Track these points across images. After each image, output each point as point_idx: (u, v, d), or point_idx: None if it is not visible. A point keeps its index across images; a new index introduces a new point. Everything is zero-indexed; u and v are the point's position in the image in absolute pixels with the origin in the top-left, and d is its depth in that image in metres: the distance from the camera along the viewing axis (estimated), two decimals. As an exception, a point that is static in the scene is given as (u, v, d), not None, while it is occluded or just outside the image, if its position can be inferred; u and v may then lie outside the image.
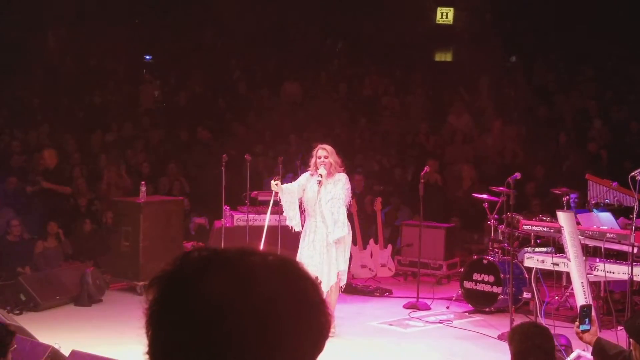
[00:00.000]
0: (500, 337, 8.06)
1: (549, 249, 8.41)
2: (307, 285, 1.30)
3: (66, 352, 5.95)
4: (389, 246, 11.46)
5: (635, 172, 7.03)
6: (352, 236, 8.55)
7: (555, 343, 4.58)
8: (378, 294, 10.33)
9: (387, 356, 7.86)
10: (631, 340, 4.53)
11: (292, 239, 8.65)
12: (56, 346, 5.99)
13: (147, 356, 1.27)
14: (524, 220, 8.82)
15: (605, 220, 8.33)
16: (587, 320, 4.57)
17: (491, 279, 9.28)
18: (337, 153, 8.23)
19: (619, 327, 7.31)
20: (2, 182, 11.92)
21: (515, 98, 15.24)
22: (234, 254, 1.29)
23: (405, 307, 9.54)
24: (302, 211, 8.26)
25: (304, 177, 8.26)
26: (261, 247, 8.05)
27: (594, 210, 8.64)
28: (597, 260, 7.95)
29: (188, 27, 17.39)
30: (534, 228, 8.62)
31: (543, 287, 8.65)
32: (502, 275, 9.13)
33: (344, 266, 8.20)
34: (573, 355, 5.58)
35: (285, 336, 1.24)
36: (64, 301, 9.49)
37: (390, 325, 8.88)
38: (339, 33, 18.14)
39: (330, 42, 18.27)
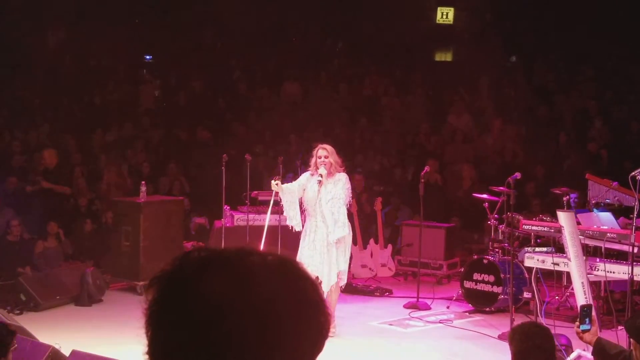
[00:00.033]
0: (500, 337, 8.06)
1: (549, 249, 8.41)
2: (307, 285, 1.30)
3: (66, 352, 5.95)
4: (389, 246, 11.46)
5: (636, 171, 7.02)
6: (352, 236, 8.55)
7: (556, 343, 4.58)
8: (378, 294, 10.33)
9: (388, 356, 7.86)
10: (631, 340, 4.53)
11: (292, 238, 8.65)
12: (56, 346, 5.99)
13: (146, 356, 1.27)
14: (524, 220, 8.82)
15: (605, 220, 8.33)
16: (587, 320, 4.57)
17: (491, 278, 9.28)
18: (337, 153, 8.23)
19: (619, 327, 7.31)
20: (2, 182, 11.92)
21: (515, 98, 15.23)
22: (234, 254, 1.29)
23: (406, 307, 9.54)
24: (302, 211, 8.26)
25: (304, 177, 8.26)
26: (261, 247, 8.04)
27: (594, 210, 8.64)
28: (598, 260, 7.95)
29: (188, 27, 17.38)
30: (534, 228, 8.62)
31: (543, 286, 8.65)
32: (502, 275, 9.13)
33: (344, 266, 8.20)
34: (573, 355, 5.59)
35: (285, 336, 1.24)
36: (64, 301, 9.49)
37: (391, 325, 8.88)
38: (339, 33, 18.14)
39: (330, 42, 18.27)
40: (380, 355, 7.90)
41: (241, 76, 16.76)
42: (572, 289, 8.00)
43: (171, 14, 17.50)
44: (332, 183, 8.07)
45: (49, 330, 7.72)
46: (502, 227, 9.44)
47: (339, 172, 8.15)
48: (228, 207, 10.65)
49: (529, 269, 8.60)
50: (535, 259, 8.27)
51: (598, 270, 7.80)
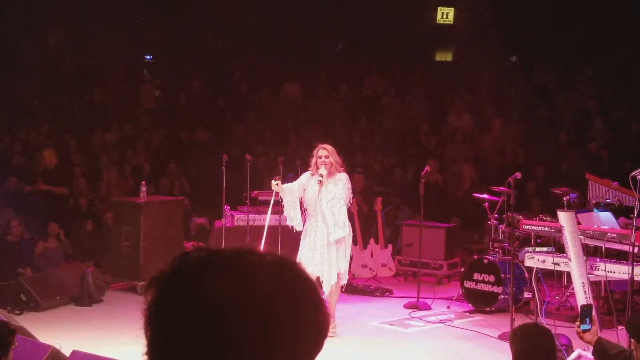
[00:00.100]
0: (500, 337, 8.06)
1: (550, 249, 8.40)
2: (306, 285, 1.30)
3: (67, 352, 5.95)
4: (390, 246, 11.46)
5: (636, 171, 7.02)
6: (353, 236, 8.54)
7: (556, 343, 4.58)
8: (378, 294, 10.33)
9: (388, 356, 7.85)
10: (632, 340, 4.53)
11: (292, 239, 8.65)
12: (57, 346, 5.99)
13: (146, 357, 1.26)
14: (525, 220, 8.81)
15: (605, 220, 8.32)
16: (587, 319, 4.57)
17: (492, 278, 9.27)
18: (337, 153, 8.23)
19: (620, 327, 7.32)
20: (3, 182, 11.93)
21: (515, 98, 15.24)
22: (233, 254, 1.29)
23: (406, 307, 9.54)
24: (302, 211, 8.26)
25: (305, 177, 8.26)
26: (261, 247, 8.04)
27: (595, 210, 8.64)
28: (598, 260, 7.94)
29: (188, 27, 17.39)
30: (534, 228, 8.61)
31: (543, 286, 8.66)
32: (502, 275, 9.13)
33: (344, 266, 8.19)
34: (574, 355, 5.59)
35: (285, 336, 1.24)
36: (64, 301, 9.49)
37: (391, 325, 8.88)
38: (339, 33, 18.15)
39: (330, 42, 18.27)
40: (381, 355, 7.89)
41: (241, 76, 16.77)
42: (573, 288, 7.99)
43: (171, 14, 17.51)
44: (332, 183, 8.07)
45: (49, 330, 7.72)
46: (502, 227, 9.44)
47: (340, 172, 8.15)
48: (228, 207, 10.65)
49: (529, 269, 8.60)
50: (535, 259, 8.27)
51: (598, 270, 7.80)
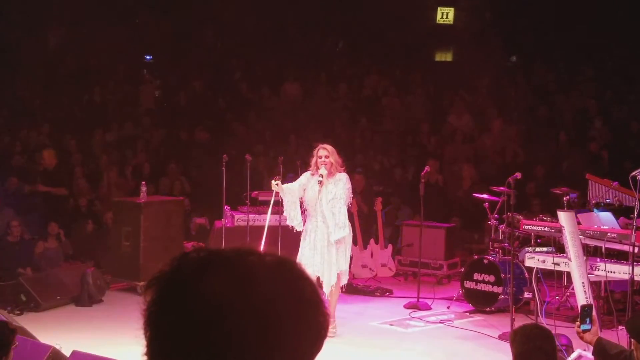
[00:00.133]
0: (501, 337, 8.06)
1: (550, 249, 8.40)
2: (305, 285, 1.30)
3: (67, 353, 5.95)
4: (390, 246, 11.45)
5: (636, 171, 7.02)
6: (353, 236, 8.54)
7: (556, 343, 4.57)
8: (379, 294, 10.33)
9: (388, 356, 7.85)
10: (632, 340, 4.53)
11: (292, 239, 8.65)
12: (57, 346, 5.99)
13: (145, 357, 1.26)
14: (525, 220, 8.81)
15: (605, 220, 8.32)
16: (587, 320, 4.57)
17: (492, 278, 9.27)
18: (337, 153, 8.23)
19: (620, 327, 7.31)
20: (3, 182, 11.92)
21: (515, 98, 15.24)
22: (233, 254, 1.29)
23: (406, 307, 9.54)
24: (302, 211, 8.25)
25: (305, 177, 8.26)
26: (262, 247, 8.03)
27: (595, 210, 8.63)
28: (598, 260, 7.94)
29: (188, 27, 17.39)
30: (534, 228, 8.61)
31: (544, 286, 8.66)
32: (502, 275, 9.13)
33: (344, 266, 8.19)
34: (574, 355, 5.59)
35: (285, 336, 1.24)
36: (64, 301, 9.49)
37: (391, 325, 8.88)
38: (339, 33, 18.15)
39: (330, 42, 18.27)
40: (381, 355, 7.89)
41: (241, 76, 16.77)
42: (573, 289, 7.99)
43: (171, 14, 17.50)
44: (332, 183, 8.07)
45: (49, 330, 7.72)
46: (502, 227, 9.44)
47: (340, 172, 8.15)
48: (228, 207, 10.65)
49: (530, 269, 8.60)
50: (535, 259, 8.26)
51: (598, 270, 7.79)
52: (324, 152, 8.10)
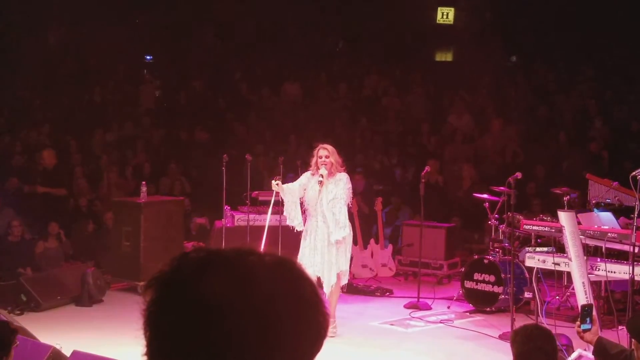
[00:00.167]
0: (501, 337, 8.06)
1: (550, 249, 8.40)
2: (305, 285, 1.30)
3: (67, 353, 5.95)
4: (390, 246, 11.46)
5: (636, 171, 7.02)
6: (353, 236, 8.54)
7: (557, 343, 4.57)
8: (379, 294, 10.33)
9: (388, 356, 7.85)
10: (632, 339, 4.53)
11: (292, 239, 8.65)
12: (57, 346, 5.99)
13: (145, 357, 1.26)
14: (525, 220, 8.81)
15: (606, 219, 8.32)
16: (588, 319, 4.57)
17: (492, 278, 9.27)
18: (337, 153, 8.23)
19: (620, 327, 7.32)
20: (3, 182, 11.92)
21: (515, 98, 15.24)
22: (232, 254, 1.29)
23: (406, 307, 9.54)
24: (303, 211, 8.25)
25: (305, 177, 8.25)
26: (262, 247, 8.03)
27: (595, 210, 8.63)
28: (598, 259, 7.94)
29: (188, 27, 17.39)
30: (534, 228, 8.61)
31: (544, 286, 8.65)
32: (503, 275, 9.13)
33: (345, 266, 8.19)
34: (574, 354, 5.58)
35: (285, 336, 1.24)
36: (64, 301, 9.49)
37: (392, 325, 8.88)
38: (339, 33, 18.15)
39: (330, 42, 18.27)
40: (381, 355, 7.89)
41: (241, 76, 16.77)
42: (573, 288, 7.99)
43: (171, 14, 17.50)
44: (332, 183, 8.07)
45: (49, 330, 7.72)
46: (502, 227, 9.43)
47: (340, 172, 8.15)
48: (228, 208, 10.65)
49: (530, 269, 8.60)
50: (535, 259, 8.26)
51: (599, 270, 7.79)
52: (324, 152, 8.10)
